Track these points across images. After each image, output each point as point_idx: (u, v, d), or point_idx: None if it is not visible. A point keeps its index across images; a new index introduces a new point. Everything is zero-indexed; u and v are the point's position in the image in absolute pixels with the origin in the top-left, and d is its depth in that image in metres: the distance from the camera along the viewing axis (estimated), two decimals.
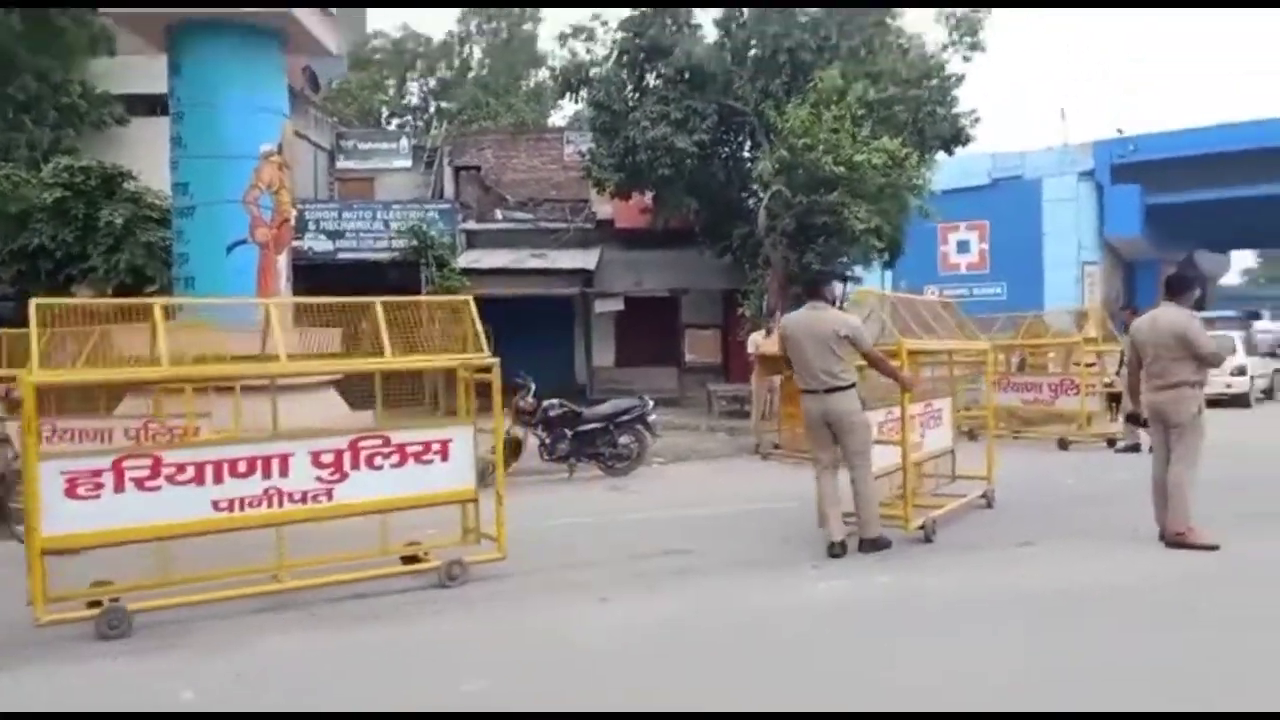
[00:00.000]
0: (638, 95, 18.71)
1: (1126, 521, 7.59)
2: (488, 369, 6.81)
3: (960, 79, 19.00)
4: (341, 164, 26.62)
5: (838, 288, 15.23)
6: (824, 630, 5.34)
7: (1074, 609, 5.56)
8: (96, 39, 20.70)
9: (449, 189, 25.89)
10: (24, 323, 12.92)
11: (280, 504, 5.85)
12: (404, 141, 27.81)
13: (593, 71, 19.27)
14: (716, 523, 8.25)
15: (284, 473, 5.86)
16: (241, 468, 5.72)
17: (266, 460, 5.81)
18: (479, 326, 6.84)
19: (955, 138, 19.16)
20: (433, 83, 40.75)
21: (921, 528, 7.24)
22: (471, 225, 23.39)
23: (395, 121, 37.70)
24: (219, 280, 11.55)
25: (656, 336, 21.46)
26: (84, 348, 9.96)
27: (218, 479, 5.64)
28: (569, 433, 11.17)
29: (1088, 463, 11.60)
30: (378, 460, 6.14)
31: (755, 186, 18.30)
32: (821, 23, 17.79)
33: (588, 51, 19.46)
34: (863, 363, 7.23)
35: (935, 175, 19.56)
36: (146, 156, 17.47)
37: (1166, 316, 7.06)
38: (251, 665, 4.85)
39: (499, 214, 24.82)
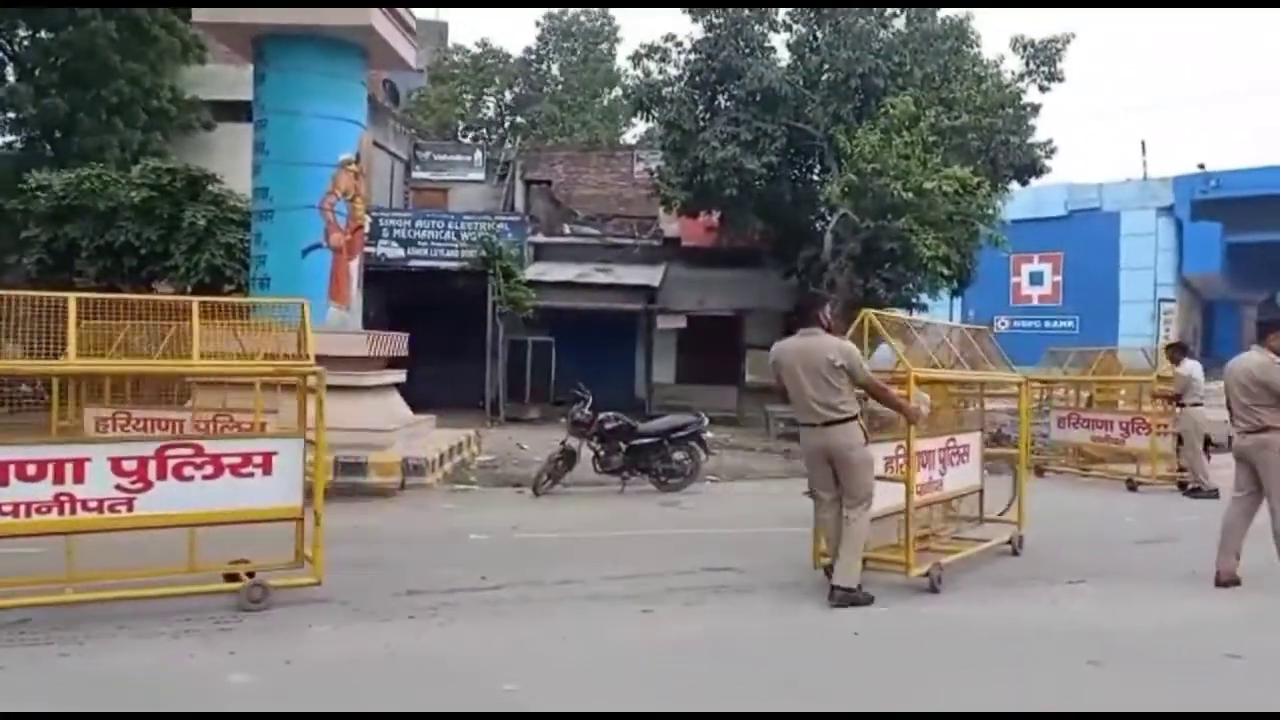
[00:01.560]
0: (708, 115, 18.83)
1: (1184, 563, 7.44)
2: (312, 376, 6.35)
3: (1036, 109, 18.80)
4: (417, 174, 27.17)
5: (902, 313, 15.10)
6: (855, 655, 5.35)
7: (1110, 648, 5.48)
8: (187, 47, 21.46)
9: (520, 202, 26.29)
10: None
11: (73, 511, 5.43)
12: (478, 154, 28.29)
13: (665, 91, 19.45)
14: (764, 542, 8.26)
15: (79, 479, 5.44)
16: (31, 471, 5.34)
17: (59, 465, 5.41)
18: (309, 332, 6.53)
19: (1030, 168, 18.96)
20: (509, 98, 41.38)
21: (926, 575, 6.55)
22: (540, 238, 23.72)
23: (470, 135, 38.36)
24: (293, 282, 11.86)
25: (717, 355, 21.49)
26: (161, 342, 10.36)
27: (2, 481, 5.28)
28: (623, 446, 11.26)
29: (1152, 503, 11.35)
30: (188, 471, 5.67)
31: (822, 210, 18.30)
32: (895, 49, 17.74)
33: (660, 71, 19.65)
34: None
35: (1008, 205, 19.36)
36: (229, 161, 18.05)
37: (1248, 361, 7.00)
38: (300, 654, 5.01)
39: (567, 228, 25.13)
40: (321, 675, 4.77)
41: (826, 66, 18.15)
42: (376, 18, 11.86)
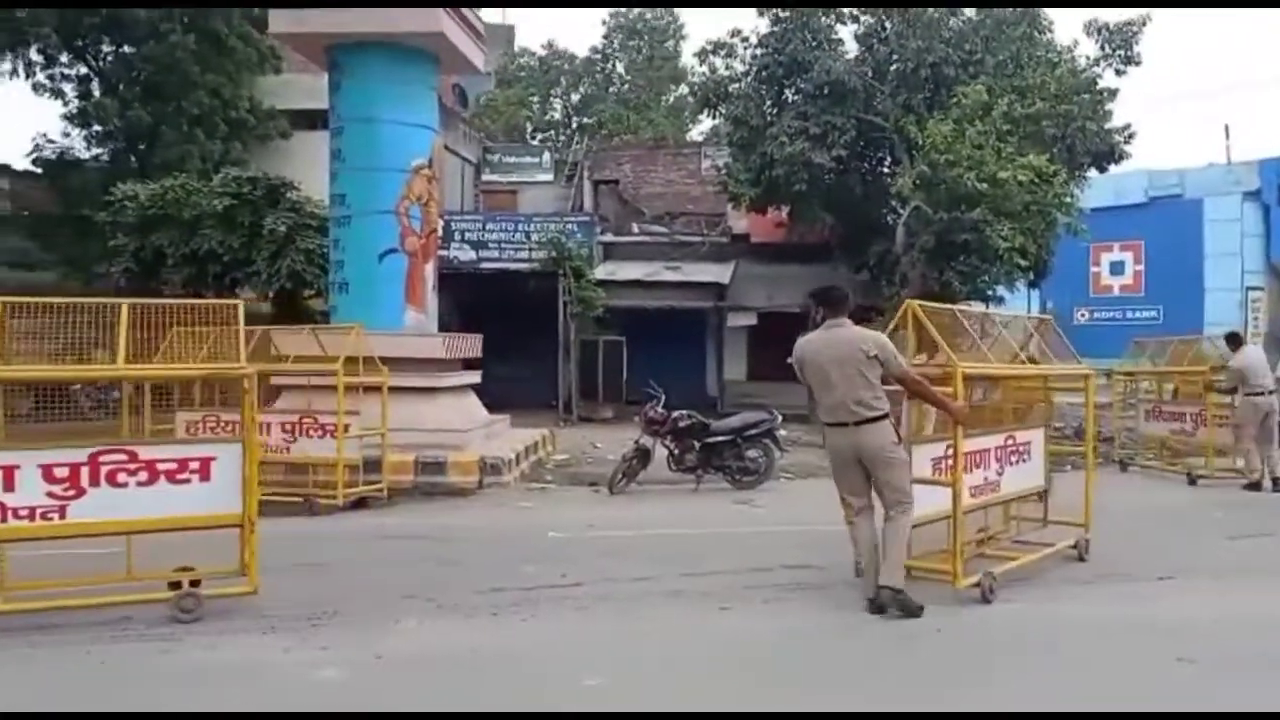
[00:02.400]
0: (776, 110, 18.74)
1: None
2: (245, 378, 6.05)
3: (1114, 93, 18.33)
4: (487, 177, 27.51)
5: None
6: (940, 652, 5.29)
7: (1200, 644, 5.34)
8: (264, 57, 22.04)
9: (588, 202, 26.45)
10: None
11: (3, 519, 5.38)
12: (546, 156, 28.54)
13: (731, 87, 19.41)
14: (841, 540, 8.14)
15: (8, 486, 5.38)
16: None
17: None
18: (241, 333, 6.33)
19: (1108, 154, 18.52)
20: (575, 98, 41.61)
21: (977, 585, 6.08)
22: (609, 237, 23.85)
23: (539, 136, 38.67)
24: (371, 286, 12.15)
25: (788, 352, 21.31)
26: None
27: None
28: (697, 444, 11.27)
29: (1243, 499, 10.99)
30: (121, 477, 5.56)
31: (894, 202, 18.10)
32: (966, 37, 17.47)
33: (727, 67, 19.61)
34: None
35: (1086, 193, 18.91)
36: (306, 168, 18.49)
37: None
38: (388, 648, 5.13)
39: (636, 227, 25.21)
40: (409, 670, 4.86)
41: (895, 57, 17.94)
42: (447, 24, 12.04)
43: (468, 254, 20.85)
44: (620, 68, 42.31)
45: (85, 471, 5.50)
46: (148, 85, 20.80)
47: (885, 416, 5.89)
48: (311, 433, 9.81)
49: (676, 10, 41.99)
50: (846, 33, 18.86)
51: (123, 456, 5.60)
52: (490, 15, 14.20)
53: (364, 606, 5.93)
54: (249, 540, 5.79)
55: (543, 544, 8.11)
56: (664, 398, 11.56)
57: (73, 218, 20.54)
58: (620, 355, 20.66)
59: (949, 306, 7.00)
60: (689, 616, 5.86)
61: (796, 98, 18.60)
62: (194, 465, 5.70)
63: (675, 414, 11.33)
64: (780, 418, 11.86)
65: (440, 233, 15.10)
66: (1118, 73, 18.12)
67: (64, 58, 22.42)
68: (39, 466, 5.44)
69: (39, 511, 5.44)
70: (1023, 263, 16.32)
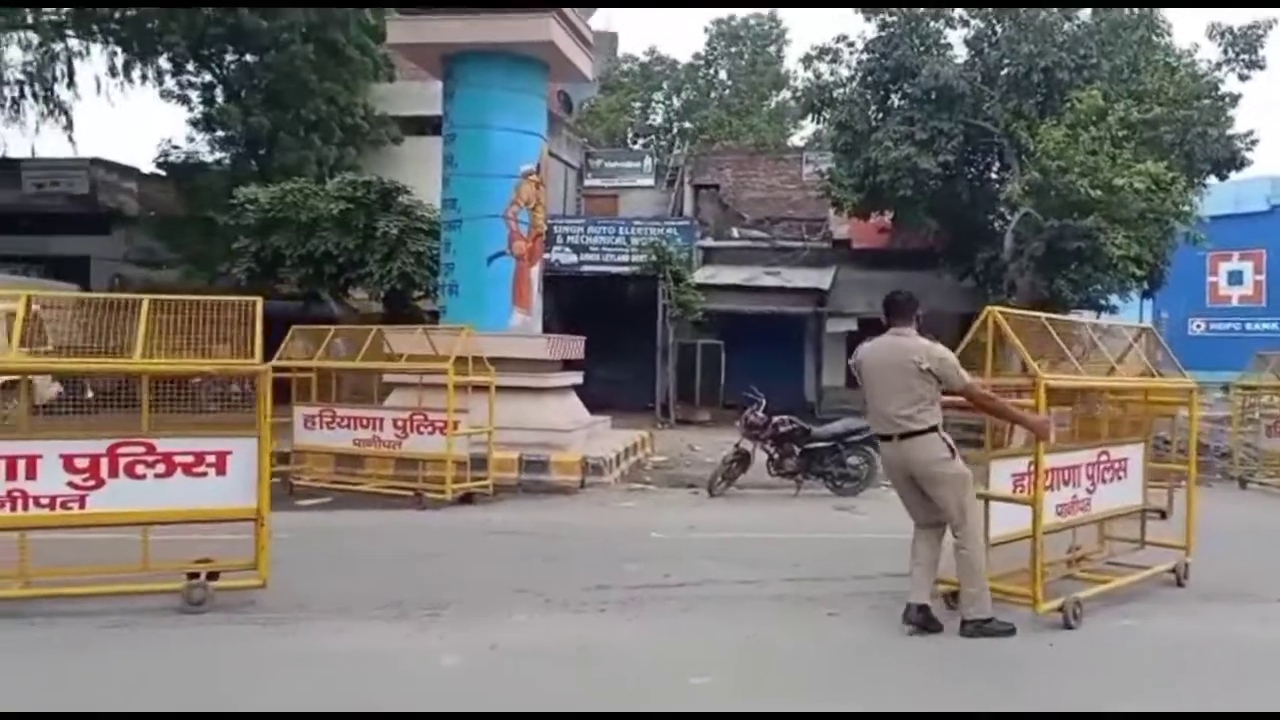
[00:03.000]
0: (881, 116, 18.59)
1: None
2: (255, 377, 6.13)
3: (1236, 99, 17.68)
4: (589, 181, 27.87)
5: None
6: (1051, 664, 5.24)
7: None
8: (378, 66, 22.77)
9: (688, 206, 26.57)
10: (313, 320, 14.48)
11: (25, 507, 5.52)
12: (647, 160, 28.78)
13: (836, 92, 19.32)
14: (945, 549, 8.11)
15: (31, 475, 5.52)
16: None
17: (12, 461, 5.51)
18: (257, 331, 6.22)
19: (1229, 161, 17.85)
20: (677, 103, 41.81)
21: (1060, 610, 5.75)
22: (709, 242, 23.93)
23: (640, 141, 38.97)
24: (479, 288, 12.48)
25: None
26: (362, 344, 11.10)
27: None
28: (797, 449, 11.26)
29: None
30: (139, 469, 5.67)
31: (1002, 209, 17.77)
32: (1081, 41, 17.06)
33: (832, 73, 19.53)
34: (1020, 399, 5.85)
35: (1205, 201, 18.28)
36: (415, 172, 19.04)
37: None
38: (502, 639, 5.31)
39: (736, 232, 25.24)
40: (523, 660, 5.04)
41: (1007, 61, 17.62)
42: (557, 33, 12.30)
43: (570, 257, 21.18)
44: (722, 73, 42.36)
45: (105, 462, 5.64)
46: (268, 92, 21.65)
47: (933, 430, 5.58)
48: (422, 429, 10.13)
49: (779, 14, 41.91)
50: (955, 37, 18.63)
51: (141, 449, 5.71)
52: (595, 22, 14.45)
53: (477, 598, 6.14)
54: (260, 534, 5.90)
55: (645, 544, 8.24)
56: (764, 402, 11.59)
57: (197, 219, 21.51)
58: (718, 359, 20.71)
59: (1035, 314, 6.66)
60: (794, 620, 5.91)
61: (903, 103, 18.41)
62: (210, 459, 5.80)
63: (776, 419, 11.34)
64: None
65: (544, 237, 15.39)
66: (1241, 77, 17.49)
67: (190, 66, 23.52)
68: (60, 456, 5.59)
69: (60, 500, 5.59)
70: (1137, 272, 15.91)
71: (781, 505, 10.72)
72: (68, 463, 5.59)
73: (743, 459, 11.29)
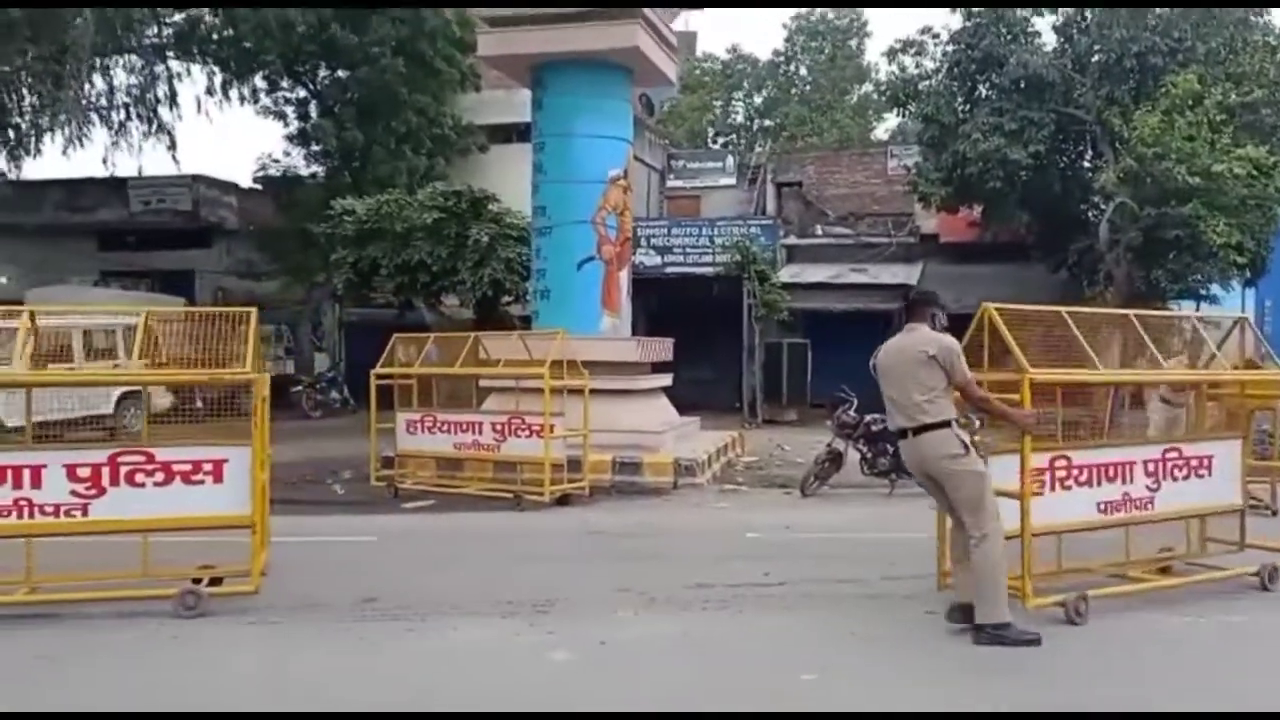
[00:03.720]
0: (969, 107, 18.34)
1: None
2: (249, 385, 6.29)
3: None
4: (671, 183, 28.02)
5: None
6: (1167, 659, 5.20)
7: None
8: (465, 77, 23.28)
9: (771, 205, 26.53)
10: (407, 327, 14.90)
11: (30, 515, 5.74)
12: (729, 160, 28.81)
13: (922, 85, 19.12)
14: (1044, 546, 8.04)
15: (35, 484, 5.73)
16: None
17: (17, 470, 5.73)
18: (253, 337, 6.39)
19: None
20: (758, 101, 41.72)
21: (1061, 605, 5.70)
22: (792, 240, 23.88)
23: (721, 140, 39.00)
24: (570, 293, 12.71)
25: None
26: (458, 351, 11.42)
27: None
28: (890, 448, 11.21)
29: None
30: (139, 478, 5.86)
31: (1095, 198, 17.40)
32: (1174, 24, 16.60)
33: (917, 65, 19.32)
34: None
35: None
36: (501, 180, 19.46)
37: None
38: (610, 635, 5.48)
39: (819, 229, 25.12)
40: (632, 655, 5.20)
41: (1097, 48, 17.24)
42: (643, 39, 12.46)
43: (653, 259, 21.33)
44: (803, 69, 42.12)
45: (106, 471, 5.84)
46: (360, 106, 22.32)
47: (945, 425, 5.49)
48: (519, 433, 10.38)
49: (861, 10, 41.50)
50: (1043, 24, 18.32)
51: (140, 458, 5.90)
52: (674, 23, 14.55)
53: (581, 597, 6.32)
54: (255, 541, 6.06)
55: (742, 544, 8.34)
56: (855, 401, 11.57)
57: (294, 231, 22.27)
58: (804, 358, 20.64)
59: (1054, 309, 6.40)
60: (895, 618, 5.94)
61: (991, 93, 18.15)
62: (208, 467, 5.97)
63: (869, 418, 11.31)
64: (978, 424, 11.64)
65: (631, 239, 15.59)
66: None
67: (285, 83, 24.36)
68: (64, 466, 5.81)
69: (63, 509, 5.81)
70: (1239, 260, 15.41)
71: (875, 505, 10.71)
72: (70, 472, 5.82)
73: (835, 458, 11.29)
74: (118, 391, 14.70)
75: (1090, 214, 17.92)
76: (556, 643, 5.34)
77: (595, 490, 10.84)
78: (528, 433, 10.29)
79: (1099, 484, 6.09)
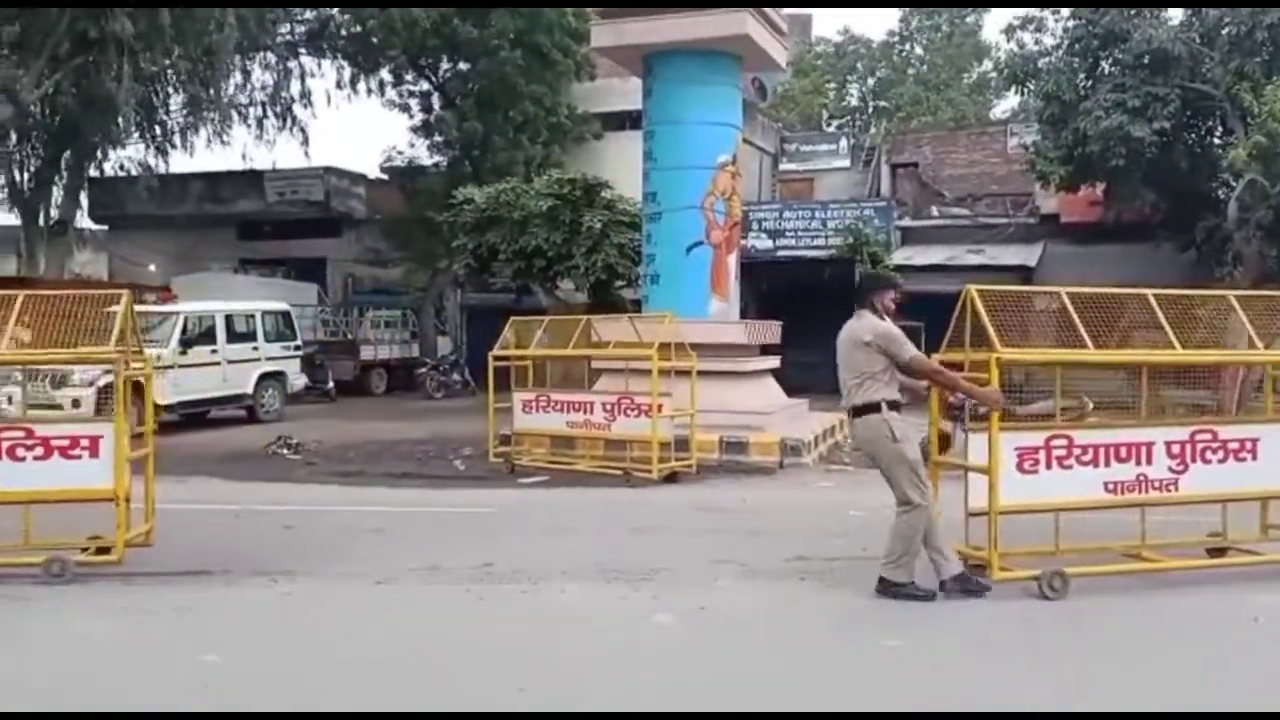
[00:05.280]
0: (1090, 84, 17.88)
1: None
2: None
3: None
4: (784, 166, 28.02)
5: None
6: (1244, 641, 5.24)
7: None
8: (579, 66, 23.82)
9: (885, 187, 26.29)
10: (524, 311, 15.47)
11: None
12: (843, 142, 28.64)
13: (1041, 62, 18.72)
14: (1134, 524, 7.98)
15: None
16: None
17: None
18: (123, 319, 6.57)
19: None
20: (872, 83, 41.14)
21: (1036, 579, 5.81)
22: (907, 222, 23.66)
23: (835, 123, 38.64)
24: (679, 277, 13.02)
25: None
26: (571, 333, 11.87)
27: None
28: None
29: None
30: (20, 451, 6.23)
31: (1224, 176, 16.78)
32: None
33: (1036, 42, 18.94)
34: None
35: None
36: (615, 166, 19.88)
37: None
38: (710, 601, 5.80)
39: (935, 210, 24.79)
40: (729, 620, 5.52)
41: (1227, 20, 16.60)
42: (752, 26, 12.64)
43: (765, 243, 21.49)
44: (918, 49, 41.33)
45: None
46: (480, 97, 23.10)
47: (874, 408, 5.83)
48: (629, 412, 10.77)
49: None
50: None
51: (21, 433, 6.31)
52: (788, 6, 14.69)
53: (684, 566, 6.65)
54: (120, 512, 6.30)
55: (844, 521, 8.52)
56: None
57: (418, 219, 23.22)
58: (918, 340, 20.39)
59: (1053, 289, 6.59)
60: (997, 596, 6.05)
61: (1113, 69, 17.66)
62: (85, 443, 6.34)
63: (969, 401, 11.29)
64: (1091, 405, 11.50)
65: (740, 224, 15.79)
66: None
67: (409, 77, 25.36)
68: None
69: None
70: None
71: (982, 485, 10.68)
72: None
73: (942, 441, 11.30)
74: None
75: (1219, 192, 17.30)
76: (658, 607, 5.68)
77: (702, 468, 11.14)
78: (636, 412, 10.66)
79: (1107, 464, 6.11)
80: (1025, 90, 20.00)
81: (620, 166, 19.30)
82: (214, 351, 16.34)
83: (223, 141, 23.52)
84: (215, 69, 19.11)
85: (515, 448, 11.70)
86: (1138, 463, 6.17)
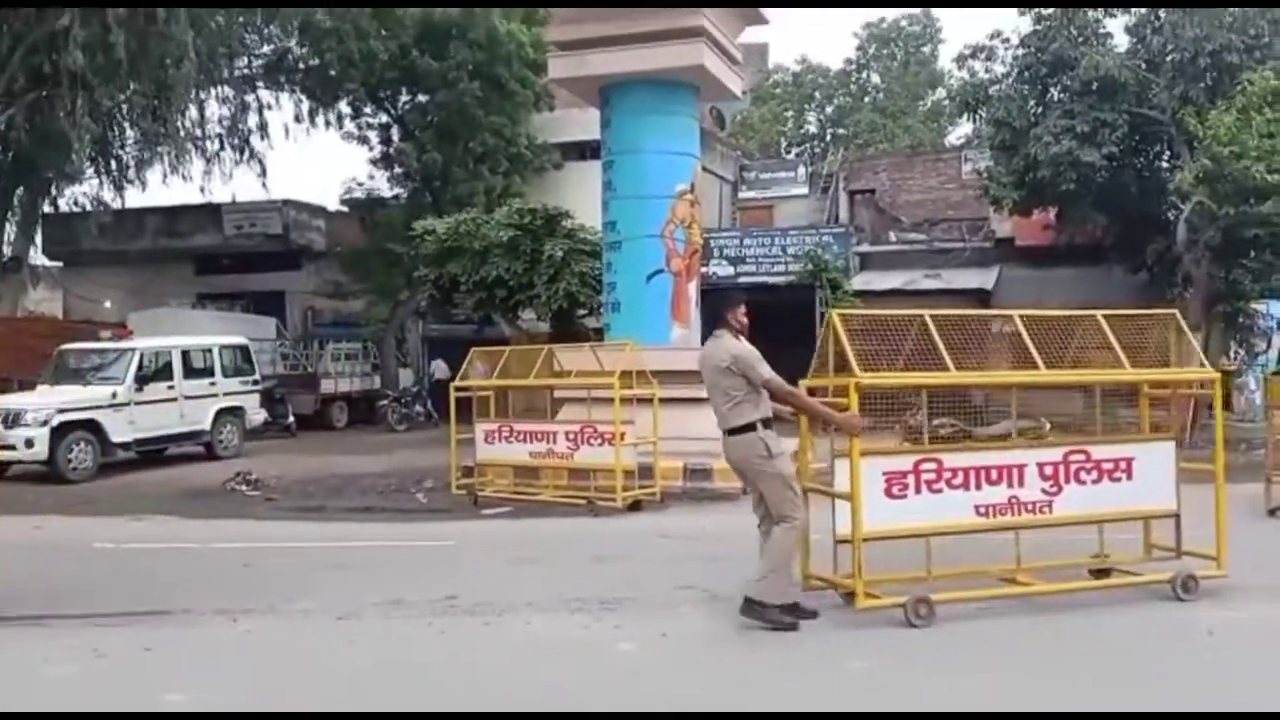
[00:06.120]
0: (1040, 110, 18.22)
1: None
2: None
3: None
4: (743, 194, 28.29)
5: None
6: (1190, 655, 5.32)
7: None
8: (539, 97, 23.95)
9: (844, 213, 26.61)
10: (487, 341, 15.42)
11: None
12: (801, 169, 28.96)
13: (992, 90, 19.08)
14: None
15: None
16: None
17: None
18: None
19: None
20: (829, 110, 41.74)
21: (902, 607, 5.70)
22: (865, 247, 23.92)
23: (794, 151, 39.11)
24: (640, 305, 13.07)
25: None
26: (534, 363, 11.86)
27: None
28: None
29: None
30: None
31: (1173, 199, 17.15)
32: (1250, 20, 16.31)
33: (987, 70, 19.33)
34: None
35: None
36: (576, 196, 19.96)
37: None
38: (671, 629, 5.79)
39: (893, 236, 25.11)
40: (690, 646, 5.53)
41: (1171, 47, 17.01)
42: (707, 56, 12.79)
43: (726, 270, 21.62)
44: (875, 77, 42.03)
45: None
46: (440, 129, 23.15)
47: (749, 428, 5.78)
48: (592, 441, 10.77)
49: (934, 12, 41.23)
50: (1115, 25, 18.13)
51: None
52: (745, 35, 14.85)
53: (647, 595, 6.65)
54: None
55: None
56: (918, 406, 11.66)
57: (379, 251, 23.15)
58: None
59: (912, 313, 6.38)
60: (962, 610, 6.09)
61: (1062, 96, 18.00)
62: None
63: (936, 422, 11.40)
64: (1048, 426, 11.67)
65: (701, 251, 15.89)
66: None
67: (368, 109, 25.37)
68: None
69: None
70: None
71: None
72: None
73: None
74: None
75: (1168, 215, 17.64)
76: (621, 635, 5.68)
77: (667, 496, 11.15)
78: (599, 441, 10.66)
79: (978, 487, 6.03)
80: (977, 117, 20.34)
81: (580, 196, 19.39)
82: (171, 388, 16.13)
83: (180, 175, 23.30)
84: (172, 103, 18.94)
85: (478, 479, 11.64)
86: (1009, 485, 6.08)
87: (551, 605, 6.40)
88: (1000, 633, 5.73)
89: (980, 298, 20.85)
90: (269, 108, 25.46)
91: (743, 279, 21.26)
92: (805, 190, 28.12)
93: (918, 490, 5.93)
